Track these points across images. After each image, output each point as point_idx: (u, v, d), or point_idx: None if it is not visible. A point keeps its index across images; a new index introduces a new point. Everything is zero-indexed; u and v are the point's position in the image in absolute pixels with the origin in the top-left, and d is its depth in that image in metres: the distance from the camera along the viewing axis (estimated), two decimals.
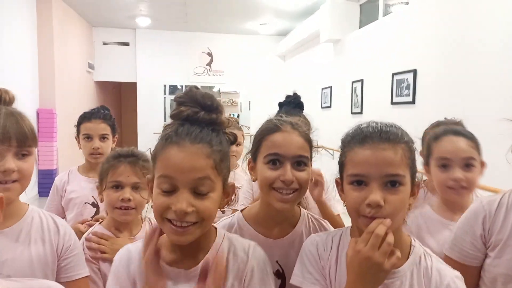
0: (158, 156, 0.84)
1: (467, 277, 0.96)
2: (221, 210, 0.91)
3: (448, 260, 1.12)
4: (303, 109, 1.80)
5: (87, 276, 1.12)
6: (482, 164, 1.33)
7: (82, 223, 1.54)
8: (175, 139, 0.82)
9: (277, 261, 1.08)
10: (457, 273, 0.89)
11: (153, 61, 8.84)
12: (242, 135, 2.19)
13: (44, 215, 1.10)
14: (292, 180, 1.01)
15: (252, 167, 1.12)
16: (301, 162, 1.04)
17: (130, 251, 0.91)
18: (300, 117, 1.74)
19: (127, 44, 8.84)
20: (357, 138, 0.88)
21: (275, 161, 1.03)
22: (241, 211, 1.16)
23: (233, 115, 10.55)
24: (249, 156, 1.14)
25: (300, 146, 1.04)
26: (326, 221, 1.21)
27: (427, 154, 1.39)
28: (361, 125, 0.92)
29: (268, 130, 1.07)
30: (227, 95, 11.40)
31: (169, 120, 0.91)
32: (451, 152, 1.30)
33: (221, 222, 1.14)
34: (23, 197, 1.09)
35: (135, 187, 1.30)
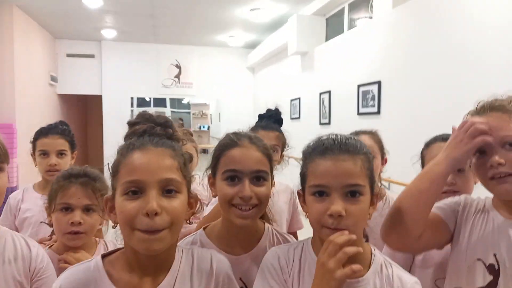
0: (120, 165, 0.82)
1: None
2: (188, 222, 0.89)
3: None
4: (282, 125, 1.83)
5: None
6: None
7: (40, 243, 1.46)
8: (137, 145, 0.83)
9: (240, 278, 1.05)
10: (416, 279, 0.93)
11: (120, 73, 8.65)
12: (195, 147, 2.18)
13: (16, 236, 1.08)
14: (250, 196, 1.00)
15: (212, 183, 1.10)
16: (260, 177, 1.03)
17: (77, 276, 0.82)
18: (278, 132, 1.76)
19: (92, 56, 8.62)
20: (318, 150, 0.90)
21: (233, 177, 1.02)
22: (203, 228, 1.14)
23: (203, 127, 10.49)
24: (209, 171, 1.12)
25: (258, 160, 1.04)
26: (291, 236, 1.20)
27: (421, 163, 1.46)
28: (322, 137, 0.94)
29: (225, 145, 1.06)
30: (197, 107, 11.33)
31: None
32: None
33: (184, 240, 1.11)
34: None
35: (86, 209, 1.24)
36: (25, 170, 5.98)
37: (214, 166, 1.09)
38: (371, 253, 0.94)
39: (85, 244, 1.29)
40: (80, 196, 1.23)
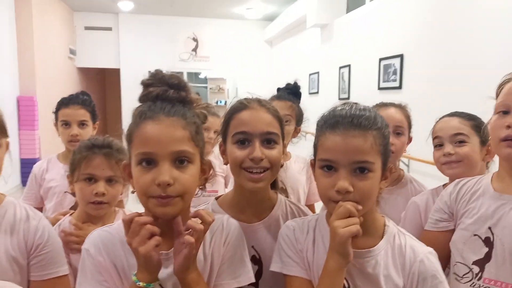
0: (134, 134, 0.83)
1: (441, 243, 1.11)
2: (200, 188, 0.91)
3: (425, 233, 1.22)
4: (300, 99, 1.80)
5: (66, 274, 1.05)
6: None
7: (63, 215, 1.49)
8: (149, 114, 0.82)
9: (252, 246, 1.05)
10: (431, 249, 0.92)
11: (137, 46, 8.66)
12: (219, 122, 2.16)
13: (19, 208, 1.03)
14: (261, 158, 0.98)
15: (223, 150, 1.08)
16: (270, 139, 1.01)
17: (103, 236, 0.89)
18: (291, 102, 1.73)
19: (109, 29, 8.63)
20: (329, 123, 0.88)
21: (243, 140, 1.00)
22: (216, 198, 1.13)
23: (220, 102, 10.47)
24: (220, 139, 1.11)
25: (268, 122, 1.01)
26: (305, 207, 1.18)
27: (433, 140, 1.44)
28: (336, 107, 0.91)
29: (234, 109, 1.04)
30: (214, 81, 11.28)
31: None
32: (442, 130, 1.37)
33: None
34: (4, 187, 1.04)
35: (109, 180, 1.25)
36: (47, 142, 6.13)
37: (224, 132, 1.07)
38: (384, 225, 0.94)
39: (106, 213, 1.31)
40: (104, 168, 1.24)
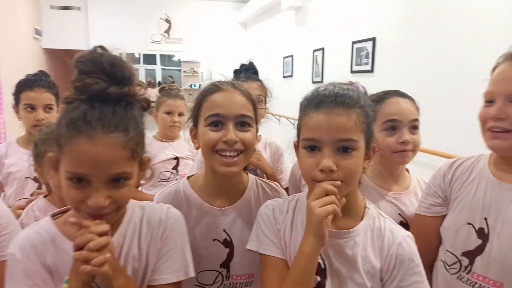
0: (65, 145, 0.75)
1: (434, 228, 1.08)
2: (137, 186, 0.87)
3: (418, 218, 1.18)
4: (258, 77, 1.82)
5: None
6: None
7: (27, 203, 1.45)
8: (85, 128, 0.73)
9: (224, 230, 1.06)
10: (408, 232, 0.93)
11: (107, 27, 8.33)
12: (185, 105, 2.16)
13: None
14: (235, 140, 0.97)
15: (194, 134, 1.06)
16: (244, 122, 1.00)
17: (32, 237, 0.82)
18: (260, 82, 1.74)
19: (77, 8, 8.25)
20: (313, 103, 0.87)
21: (216, 122, 0.98)
22: (188, 178, 1.12)
23: (195, 85, 10.31)
24: (191, 123, 1.08)
25: (242, 105, 1.00)
26: (277, 184, 1.18)
27: None
28: (319, 88, 0.91)
29: (207, 91, 1.02)
30: (187, 64, 11.07)
31: None
32: (400, 114, 1.21)
33: (167, 188, 1.10)
34: None
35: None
36: (12, 127, 5.89)
37: (195, 115, 1.04)
38: (365, 207, 0.95)
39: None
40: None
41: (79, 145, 0.73)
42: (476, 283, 1.03)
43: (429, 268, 1.18)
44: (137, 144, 0.79)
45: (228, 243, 1.06)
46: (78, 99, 0.77)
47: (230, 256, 1.06)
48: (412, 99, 1.28)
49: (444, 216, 1.13)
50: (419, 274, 0.87)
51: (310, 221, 0.83)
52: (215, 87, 1.02)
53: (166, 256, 0.88)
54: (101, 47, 0.79)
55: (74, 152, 0.73)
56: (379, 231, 0.91)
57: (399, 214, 1.24)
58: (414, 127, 1.24)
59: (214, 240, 1.06)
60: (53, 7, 8.10)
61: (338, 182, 0.82)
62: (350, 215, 0.91)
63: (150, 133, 2.15)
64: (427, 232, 1.14)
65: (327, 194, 0.82)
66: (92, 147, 0.72)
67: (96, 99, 0.76)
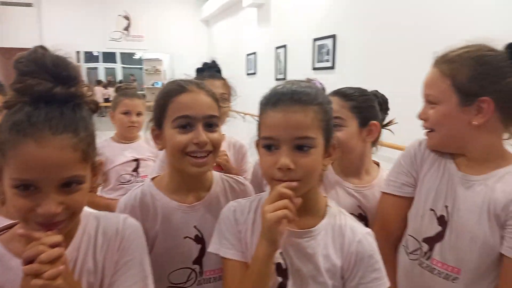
0: (8, 150, 0.69)
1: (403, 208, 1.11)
2: (91, 191, 0.84)
3: (387, 197, 1.18)
4: (221, 75, 1.82)
5: None
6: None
7: None
8: (30, 130, 0.68)
9: (195, 226, 1.07)
10: (368, 230, 0.95)
11: (63, 25, 7.97)
12: (143, 104, 2.12)
13: None
14: (206, 142, 0.98)
15: (157, 135, 1.05)
16: (211, 123, 1.01)
17: None
18: (224, 80, 1.73)
19: (29, 5, 7.85)
20: (271, 101, 0.88)
21: (185, 124, 0.98)
22: (152, 179, 1.11)
23: (157, 84, 10.11)
24: (151, 124, 1.07)
25: (209, 105, 1.01)
26: (241, 178, 1.20)
27: None
28: (278, 86, 0.91)
29: (172, 91, 1.01)
30: (149, 62, 10.83)
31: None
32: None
33: (132, 191, 1.08)
34: None
35: None
36: None
37: (159, 116, 1.02)
38: (326, 205, 0.96)
39: None
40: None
41: (25, 149, 0.68)
42: (435, 269, 1.06)
43: (395, 249, 1.20)
44: (88, 145, 0.75)
45: (199, 239, 1.06)
46: (20, 101, 0.71)
47: (202, 252, 1.06)
48: (343, 96, 1.27)
49: (411, 199, 1.15)
50: (379, 271, 0.89)
51: (262, 226, 0.83)
52: (180, 88, 1.01)
53: (124, 269, 0.83)
54: (42, 47, 0.73)
55: (20, 157, 0.68)
56: (339, 229, 0.92)
57: (358, 206, 1.27)
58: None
59: (185, 237, 1.06)
60: (2, 3, 7.66)
61: (295, 183, 0.82)
62: (311, 214, 0.92)
63: (108, 135, 2.08)
64: (395, 212, 1.14)
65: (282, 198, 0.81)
66: (39, 150, 0.68)
67: (40, 100, 0.71)
